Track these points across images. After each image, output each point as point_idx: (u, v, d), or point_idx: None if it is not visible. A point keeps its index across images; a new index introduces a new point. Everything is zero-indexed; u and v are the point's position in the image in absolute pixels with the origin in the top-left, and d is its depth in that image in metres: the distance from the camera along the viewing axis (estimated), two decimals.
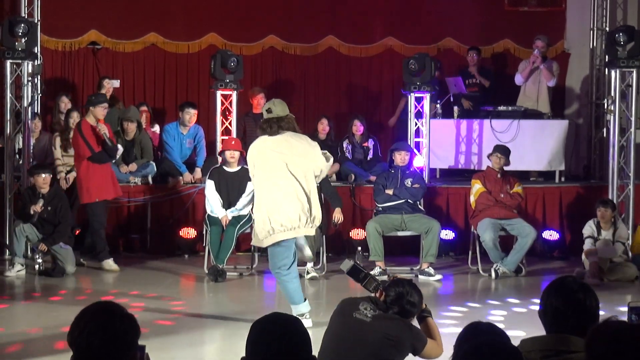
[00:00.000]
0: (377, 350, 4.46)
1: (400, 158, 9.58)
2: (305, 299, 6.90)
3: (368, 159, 11.03)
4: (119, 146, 10.06)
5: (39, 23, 11.06)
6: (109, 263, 9.40)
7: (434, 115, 11.20)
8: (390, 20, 12.76)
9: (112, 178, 9.63)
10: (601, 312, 3.33)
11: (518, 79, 11.72)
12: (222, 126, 10.69)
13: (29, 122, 10.20)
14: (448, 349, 3.22)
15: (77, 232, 10.00)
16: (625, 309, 3.87)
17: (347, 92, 12.88)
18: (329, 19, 12.72)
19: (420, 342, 4.62)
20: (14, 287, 8.73)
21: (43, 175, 9.16)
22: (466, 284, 9.35)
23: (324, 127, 11.25)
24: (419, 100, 10.76)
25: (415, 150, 10.46)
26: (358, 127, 11.03)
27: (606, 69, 11.49)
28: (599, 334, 2.78)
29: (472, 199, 9.67)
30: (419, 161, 10.57)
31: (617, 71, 10.31)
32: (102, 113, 9.58)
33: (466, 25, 12.62)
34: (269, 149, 6.75)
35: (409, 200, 9.48)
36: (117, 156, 9.98)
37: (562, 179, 11.18)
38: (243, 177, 9.37)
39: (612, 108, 10.44)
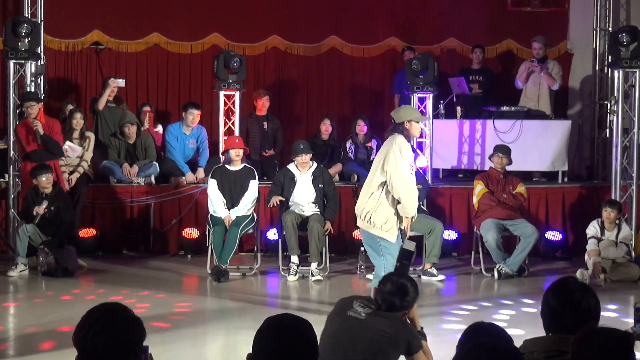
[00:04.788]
0: (373, 347, 4.43)
1: None
2: None
3: (371, 159, 11.01)
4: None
5: (42, 23, 11.08)
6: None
7: (436, 116, 11.21)
8: (393, 21, 12.76)
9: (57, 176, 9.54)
10: (606, 314, 3.33)
11: (517, 83, 11.74)
12: (224, 126, 10.70)
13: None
14: (450, 350, 3.22)
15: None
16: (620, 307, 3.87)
17: (350, 93, 12.88)
18: (332, 19, 12.71)
19: (416, 340, 4.57)
20: (17, 287, 8.75)
21: (45, 175, 9.17)
22: (469, 285, 9.35)
23: (326, 127, 11.26)
24: (422, 100, 10.76)
25: (418, 151, 10.45)
26: (362, 127, 11.03)
27: (609, 70, 11.49)
28: (585, 344, 2.80)
29: (474, 199, 9.65)
30: (422, 161, 10.56)
31: (620, 71, 10.30)
32: (33, 111, 9.53)
33: (469, 25, 12.61)
34: None
35: None
36: (62, 152, 9.84)
37: (565, 179, 11.16)
38: (246, 175, 9.37)
39: (615, 108, 10.43)
